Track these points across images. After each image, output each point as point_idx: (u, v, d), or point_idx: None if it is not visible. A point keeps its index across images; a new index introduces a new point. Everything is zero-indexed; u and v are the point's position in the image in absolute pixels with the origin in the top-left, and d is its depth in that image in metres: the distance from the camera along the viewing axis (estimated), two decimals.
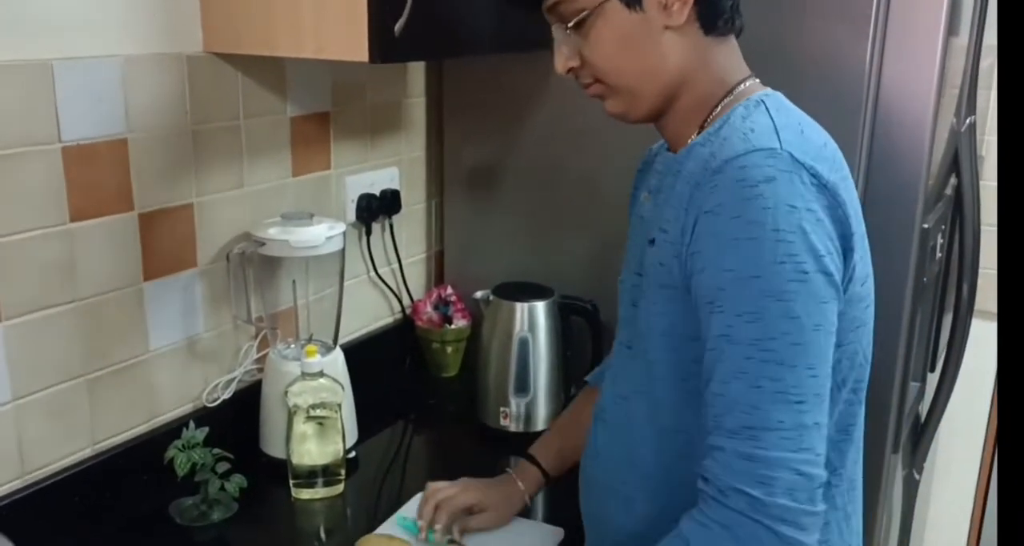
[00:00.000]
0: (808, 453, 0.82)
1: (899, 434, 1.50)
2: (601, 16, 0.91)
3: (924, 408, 1.79)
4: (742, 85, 0.95)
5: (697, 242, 0.85)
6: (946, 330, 1.83)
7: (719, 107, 0.94)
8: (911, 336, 1.44)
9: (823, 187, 0.84)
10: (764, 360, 0.82)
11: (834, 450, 0.94)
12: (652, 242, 0.93)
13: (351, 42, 1.21)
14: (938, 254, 1.58)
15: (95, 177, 1.23)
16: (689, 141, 0.95)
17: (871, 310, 0.96)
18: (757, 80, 0.97)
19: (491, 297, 1.59)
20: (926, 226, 1.39)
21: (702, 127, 0.94)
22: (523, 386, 1.55)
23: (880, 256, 1.39)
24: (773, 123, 0.88)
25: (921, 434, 1.79)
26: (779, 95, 0.96)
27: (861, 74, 1.36)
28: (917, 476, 1.85)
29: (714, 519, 0.84)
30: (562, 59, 0.96)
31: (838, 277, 0.85)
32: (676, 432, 0.96)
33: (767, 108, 0.91)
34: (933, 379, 1.80)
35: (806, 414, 0.82)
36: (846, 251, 0.87)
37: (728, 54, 0.96)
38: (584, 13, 0.91)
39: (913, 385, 1.58)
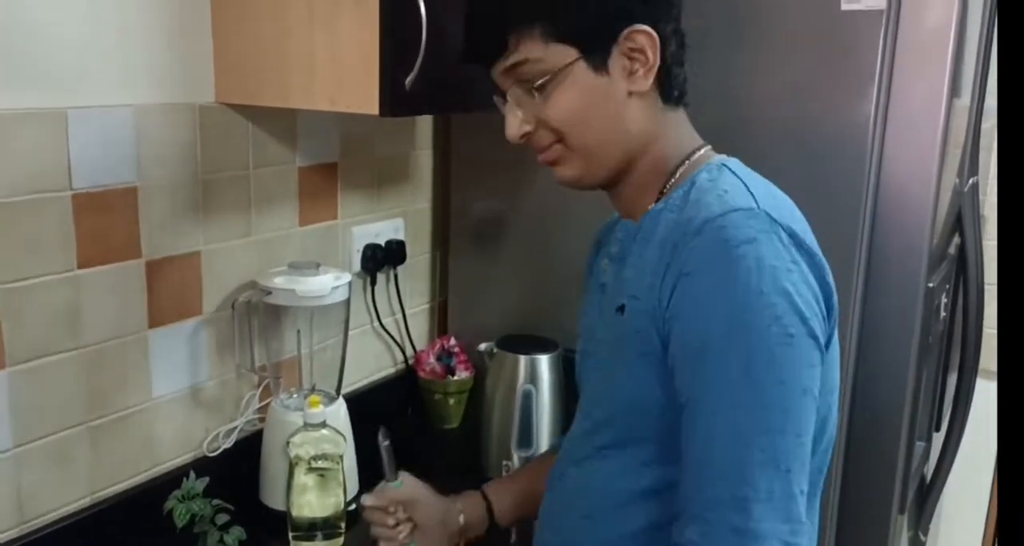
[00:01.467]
0: (796, 523, 0.80)
1: (905, 494, 1.48)
2: (566, 78, 0.89)
3: (929, 468, 1.77)
4: (697, 153, 0.95)
5: (677, 305, 0.83)
6: (951, 390, 1.82)
7: (677, 174, 0.93)
8: (916, 395, 1.44)
9: (801, 247, 0.83)
10: (753, 427, 0.79)
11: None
12: (621, 309, 0.91)
13: (362, 95, 1.23)
14: (942, 313, 1.58)
15: (104, 224, 1.23)
16: (649, 207, 0.93)
17: (839, 373, 0.95)
18: (710, 148, 0.97)
19: (495, 349, 1.58)
20: (931, 285, 1.40)
21: (661, 193, 0.94)
22: (526, 439, 1.54)
23: (885, 316, 1.41)
24: (744, 184, 0.87)
25: (927, 495, 1.77)
26: (737, 160, 0.95)
27: (865, 135, 1.37)
28: (923, 537, 1.82)
29: None
30: (516, 123, 0.93)
31: (823, 340, 0.83)
32: (644, 500, 0.92)
33: (732, 171, 0.90)
34: (938, 439, 1.79)
35: (794, 483, 0.80)
36: (829, 310, 0.86)
37: (681, 123, 0.97)
38: (549, 75, 0.89)
39: (919, 445, 1.56)
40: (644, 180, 0.95)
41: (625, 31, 0.89)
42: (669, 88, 0.93)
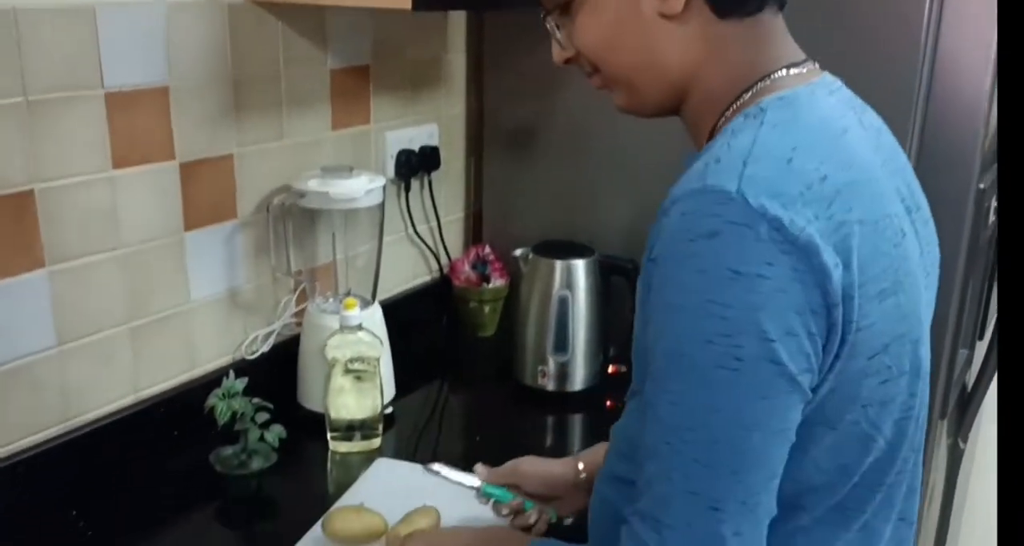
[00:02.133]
0: None
1: (947, 400, 1.47)
2: (587, 2, 0.79)
3: (971, 377, 1.75)
4: (768, 79, 0.77)
5: (645, 292, 0.73)
6: (996, 298, 1.78)
7: (731, 108, 0.78)
8: (963, 302, 1.41)
9: (792, 243, 0.66)
10: (678, 451, 0.69)
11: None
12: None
13: None
14: (991, 218, 1.53)
15: (137, 125, 1.22)
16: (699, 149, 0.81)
17: (901, 383, 0.77)
18: (797, 70, 0.78)
19: (531, 255, 1.57)
20: (982, 186, 1.35)
21: (713, 132, 0.79)
22: (562, 345, 1.53)
23: (935, 217, 1.36)
24: (751, 147, 0.70)
25: (968, 402, 1.75)
26: (801, 96, 0.76)
27: (918, 33, 1.31)
28: (962, 444, 1.82)
29: None
30: (556, 49, 0.86)
31: (797, 366, 0.67)
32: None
33: (763, 121, 0.73)
34: (981, 347, 1.76)
35: (724, 524, 0.68)
36: (832, 324, 0.69)
37: (757, 40, 0.78)
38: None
39: (961, 352, 1.54)
40: (699, 111, 0.81)
41: None
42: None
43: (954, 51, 1.32)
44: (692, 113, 0.82)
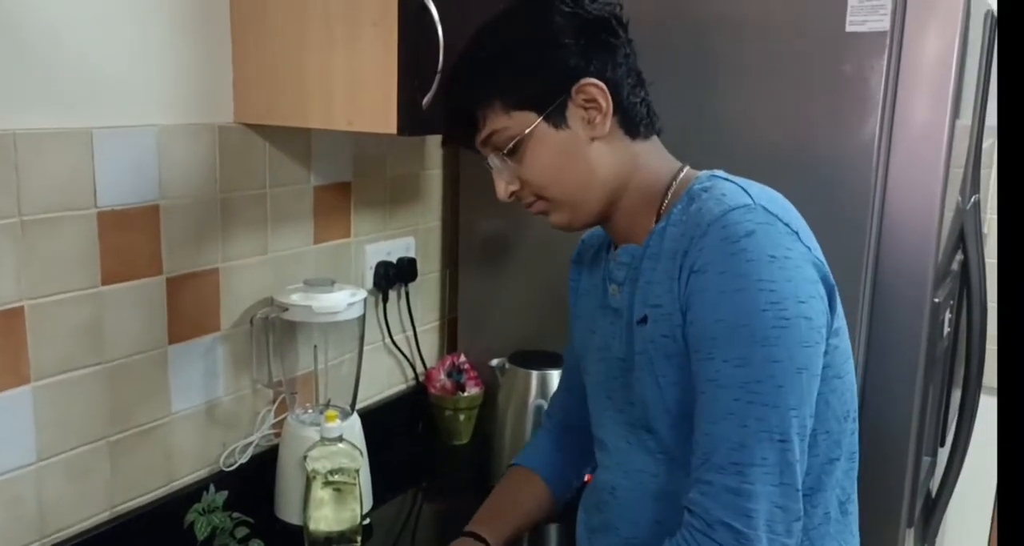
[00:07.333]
0: (788, 488, 0.89)
1: (913, 508, 1.50)
2: (532, 139, 0.99)
3: (935, 483, 1.79)
4: (682, 173, 1.03)
5: (688, 299, 0.92)
6: (955, 406, 1.84)
7: (670, 194, 1.01)
8: (923, 411, 1.46)
9: (797, 236, 0.92)
10: (750, 401, 0.88)
11: (847, 478, 1.03)
12: (643, 321, 0.98)
13: (380, 115, 1.26)
14: (947, 329, 1.60)
15: (127, 242, 1.25)
16: (651, 228, 1.01)
17: (850, 367, 1.02)
18: (689, 166, 1.05)
19: (507, 365, 1.60)
20: (936, 300, 1.42)
21: (659, 214, 1.01)
22: None
23: (892, 331, 1.43)
24: (739, 186, 0.96)
25: (932, 509, 1.78)
26: (722, 171, 1.03)
27: (870, 154, 1.40)
28: None
29: None
30: (503, 185, 1.04)
31: (821, 321, 0.91)
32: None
33: (724, 178, 0.99)
34: (943, 454, 1.81)
35: (788, 452, 0.89)
36: (830, 296, 0.94)
37: (657, 151, 1.05)
38: (516, 139, 0.99)
39: (925, 459, 1.58)
40: (637, 207, 1.03)
41: (575, 87, 0.98)
42: (632, 124, 1.02)
43: (905, 172, 1.41)
44: (631, 207, 1.03)
